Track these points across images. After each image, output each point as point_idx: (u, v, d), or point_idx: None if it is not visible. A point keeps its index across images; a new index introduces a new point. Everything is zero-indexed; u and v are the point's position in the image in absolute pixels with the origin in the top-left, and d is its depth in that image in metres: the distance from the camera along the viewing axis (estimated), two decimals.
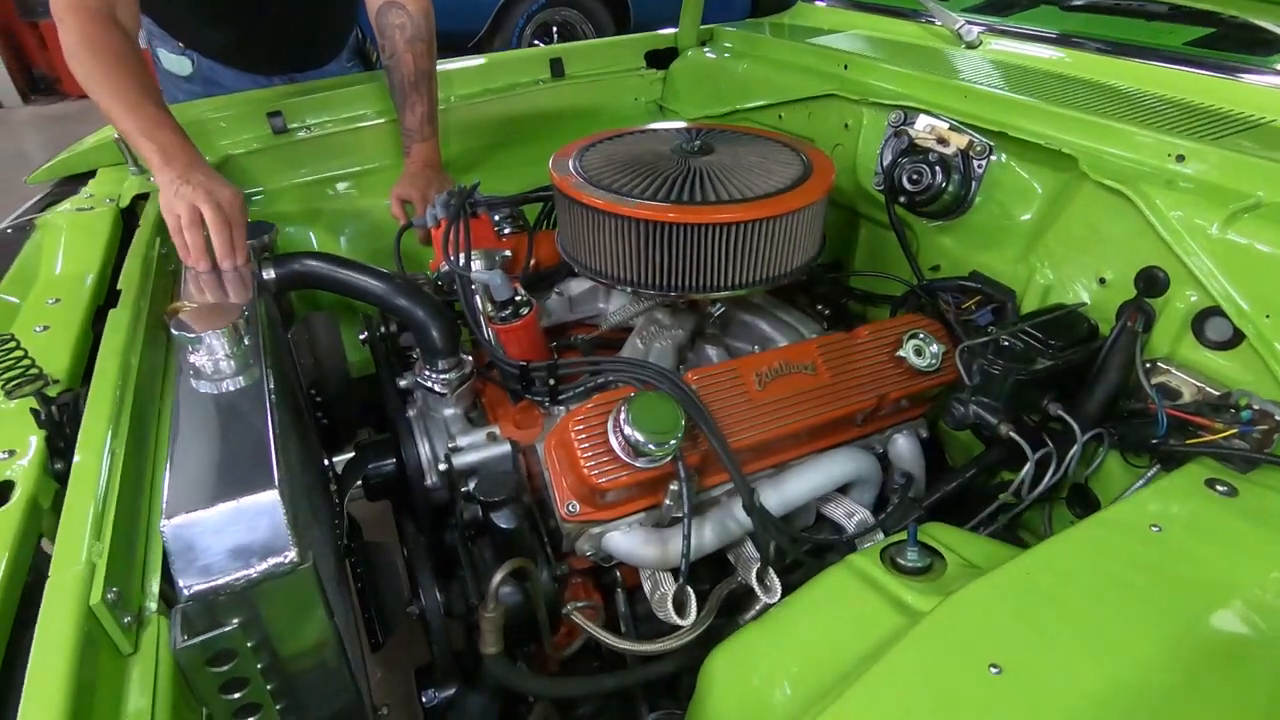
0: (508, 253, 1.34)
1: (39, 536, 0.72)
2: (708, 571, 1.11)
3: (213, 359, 0.90)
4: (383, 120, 1.73)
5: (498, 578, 0.84)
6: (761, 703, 0.73)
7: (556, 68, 1.95)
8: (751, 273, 1.08)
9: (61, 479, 0.81)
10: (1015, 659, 0.64)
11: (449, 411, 1.15)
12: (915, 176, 1.16)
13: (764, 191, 1.08)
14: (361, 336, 1.36)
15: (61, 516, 0.64)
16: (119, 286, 1.02)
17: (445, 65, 1.96)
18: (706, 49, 1.96)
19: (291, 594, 0.71)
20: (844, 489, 1.17)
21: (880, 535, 1.07)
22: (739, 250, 1.06)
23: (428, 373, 1.14)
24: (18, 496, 0.73)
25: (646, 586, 1.02)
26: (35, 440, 0.82)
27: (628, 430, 0.88)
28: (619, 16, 5.10)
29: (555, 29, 4.98)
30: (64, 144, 1.66)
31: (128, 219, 1.39)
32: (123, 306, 0.97)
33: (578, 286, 1.34)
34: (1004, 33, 1.52)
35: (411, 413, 1.18)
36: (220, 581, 0.67)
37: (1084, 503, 1.13)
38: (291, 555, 0.70)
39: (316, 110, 1.73)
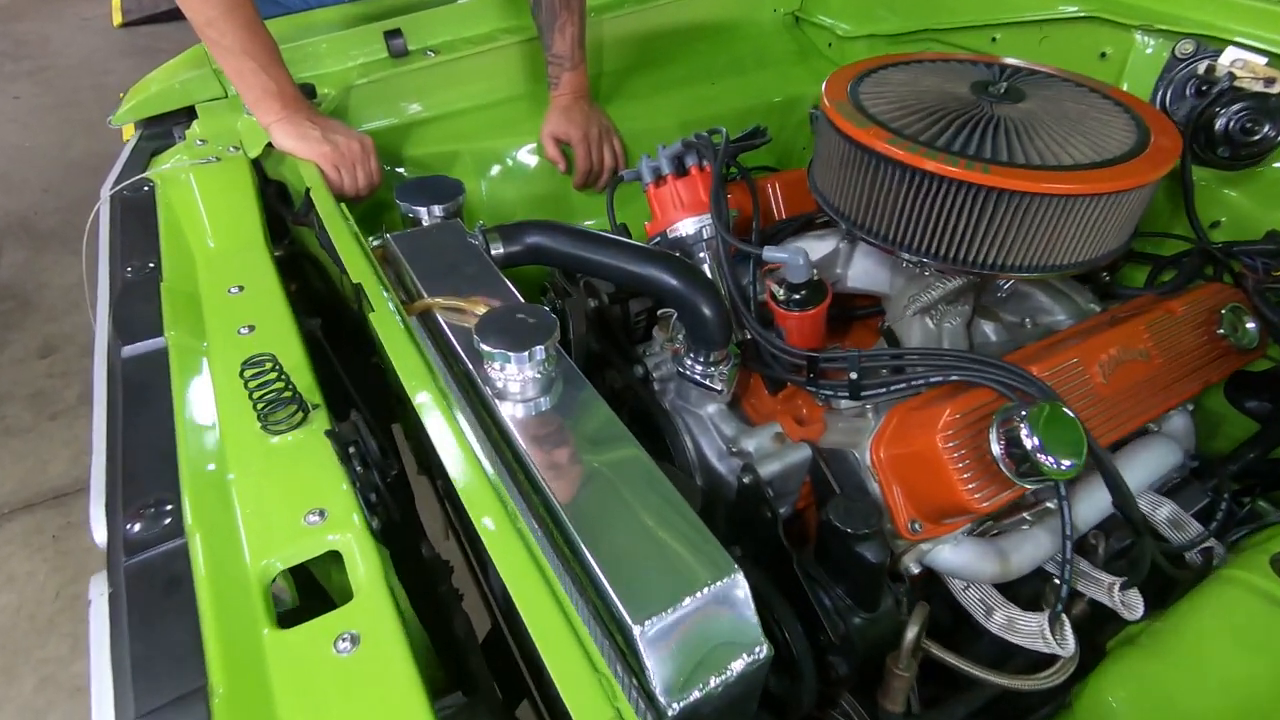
0: (734, 212, 1.16)
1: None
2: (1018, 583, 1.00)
3: (521, 377, 0.73)
4: (514, 40, 1.47)
5: (912, 632, 0.72)
6: None
7: None
8: (1076, 253, 0.92)
9: (385, 540, 0.64)
10: None
11: (712, 408, 1.00)
12: (1250, 125, 1.00)
13: (1101, 158, 0.90)
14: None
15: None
16: (356, 281, 0.81)
17: None
18: None
19: (749, 688, 0.58)
20: None
21: (1212, 539, 0.98)
22: (1069, 227, 0.89)
23: (692, 363, 0.97)
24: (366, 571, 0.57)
25: (974, 606, 0.92)
26: (346, 492, 0.65)
27: (1030, 445, 0.74)
28: None
29: None
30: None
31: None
32: (382, 316, 0.77)
33: (814, 250, 1.16)
34: None
35: (665, 404, 1.02)
36: (703, 692, 0.53)
37: None
38: (763, 649, 0.56)
39: (435, 29, 1.46)
